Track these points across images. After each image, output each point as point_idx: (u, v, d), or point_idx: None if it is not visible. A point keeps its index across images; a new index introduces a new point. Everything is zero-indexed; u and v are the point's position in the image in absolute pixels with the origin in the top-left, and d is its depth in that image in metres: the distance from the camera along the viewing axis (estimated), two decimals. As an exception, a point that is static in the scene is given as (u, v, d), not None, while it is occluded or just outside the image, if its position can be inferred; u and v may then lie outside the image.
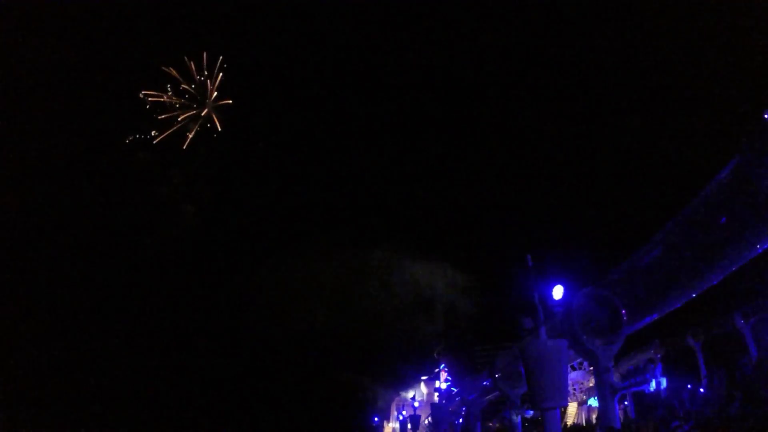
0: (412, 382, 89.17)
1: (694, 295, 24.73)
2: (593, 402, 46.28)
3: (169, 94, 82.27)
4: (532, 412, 41.92)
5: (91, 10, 77.60)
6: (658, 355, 40.53)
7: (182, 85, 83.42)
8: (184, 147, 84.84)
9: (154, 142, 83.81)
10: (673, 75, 68.62)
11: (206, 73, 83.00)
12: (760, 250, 20.35)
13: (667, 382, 32.16)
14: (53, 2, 73.49)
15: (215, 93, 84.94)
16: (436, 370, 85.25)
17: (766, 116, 17.35)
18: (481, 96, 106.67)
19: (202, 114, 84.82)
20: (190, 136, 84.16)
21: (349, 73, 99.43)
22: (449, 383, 76.73)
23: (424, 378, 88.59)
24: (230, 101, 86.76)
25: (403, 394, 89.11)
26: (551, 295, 22.25)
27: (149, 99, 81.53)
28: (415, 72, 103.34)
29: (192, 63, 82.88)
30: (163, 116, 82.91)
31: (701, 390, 33.65)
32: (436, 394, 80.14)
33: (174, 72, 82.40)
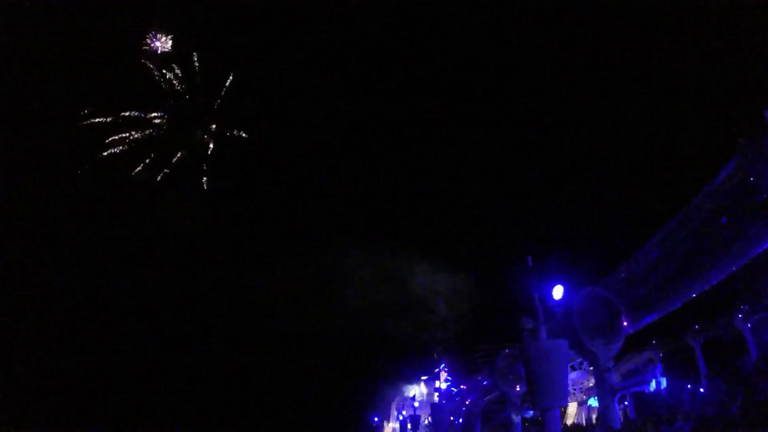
0: (411, 382, 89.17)
1: (694, 295, 24.75)
2: (593, 402, 46.32)
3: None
4: (532, 412, 41.93)
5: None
6: (658, 355, 40.60)
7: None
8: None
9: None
10: (673, 75, 68.67)
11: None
12: (760, 250, 20.37)
13: (667, 382, 32.14)
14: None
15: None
16: (436, 370, 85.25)
17: (766, 116, 17.36)
18: (481, 95, 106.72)
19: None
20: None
21: (348, 71, 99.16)
22: (449, 383, 76.73)
23: (424, 378, 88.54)
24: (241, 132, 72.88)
25: (403, 393, 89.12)
26: (551, 295, 22.25)
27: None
28: (414, 70, 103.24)
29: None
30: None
31: (701, 390, 33.67)
32: (436, 394, 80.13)
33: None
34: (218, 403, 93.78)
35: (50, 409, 76.53)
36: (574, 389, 50.08)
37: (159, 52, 67.11)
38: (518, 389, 41.35)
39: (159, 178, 72.37)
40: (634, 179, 76.57)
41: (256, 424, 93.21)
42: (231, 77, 71.21)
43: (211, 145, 72.81)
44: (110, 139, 68.08)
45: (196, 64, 68.99)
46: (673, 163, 64.33)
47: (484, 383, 50.11)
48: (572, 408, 51.95)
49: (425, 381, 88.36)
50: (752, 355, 31.38)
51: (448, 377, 79.58)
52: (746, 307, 33.08)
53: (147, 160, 70.90)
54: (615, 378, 27.82)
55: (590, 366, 33.56)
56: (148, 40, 66.47)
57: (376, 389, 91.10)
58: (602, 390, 26.44)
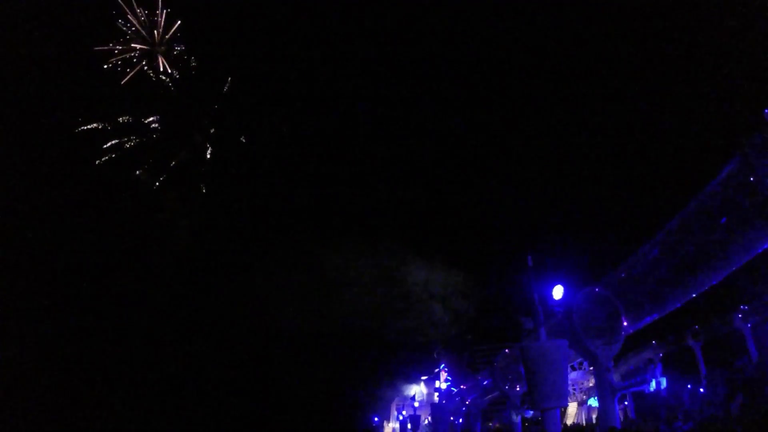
0: (412, 381, 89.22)
1: (694, 295, 24.71)
2: (593, 402, 46.29)
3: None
4: (532, 412, 41.93)
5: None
6: (658, 355, 40.57)
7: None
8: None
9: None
10: (673, 74, 68.69)
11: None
12: (760, 250, 20.34)
13: (667, 382, 32.17)
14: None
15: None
16: (436, 370, 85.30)
17: (766, 116, 17.33)
18: (481, 95, 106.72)
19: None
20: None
21: (347, 68, 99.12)
22: (449, 383, 76.74)
23: (424, 378, 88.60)
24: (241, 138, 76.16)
25: (403, 393, 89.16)
26: (551, 295, 22.28)
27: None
28: (414, 69, 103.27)
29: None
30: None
31: (701, 390, 33.68)
32: (436, 394, 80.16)
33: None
34: (218, 404, 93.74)
35: (50, 410, 76.52)
36: (574, 389, 50.05)
37: (158, 56, 67.29)
38: (518, 389, 41.33)
39: (158, 183, 72.68)
40: (634, 179, 76.68)
41: (256, 424, 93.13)
42: (229, 81, 71.54)
43: (210, 149, 73.08)
44: (109, 144, 68.40)
45: (194, 67, 69.29)
46: (673, 163, 64.42)
47: (484, 383, 50.08)
48: (572, 408, 51.90)
49: (425, 381, 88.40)
50: (752, 355, 31.38)
51: (448, 377, 79.61)
52: (746, 307, 33.06)
53: (145, 166, 71.17)
54: (615, 378, 27.79)
55: (590, 366, 33.57)
56: (147, 45, 66.64)
57: (376, 389, 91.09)
58: (602, 390, 26.41)
